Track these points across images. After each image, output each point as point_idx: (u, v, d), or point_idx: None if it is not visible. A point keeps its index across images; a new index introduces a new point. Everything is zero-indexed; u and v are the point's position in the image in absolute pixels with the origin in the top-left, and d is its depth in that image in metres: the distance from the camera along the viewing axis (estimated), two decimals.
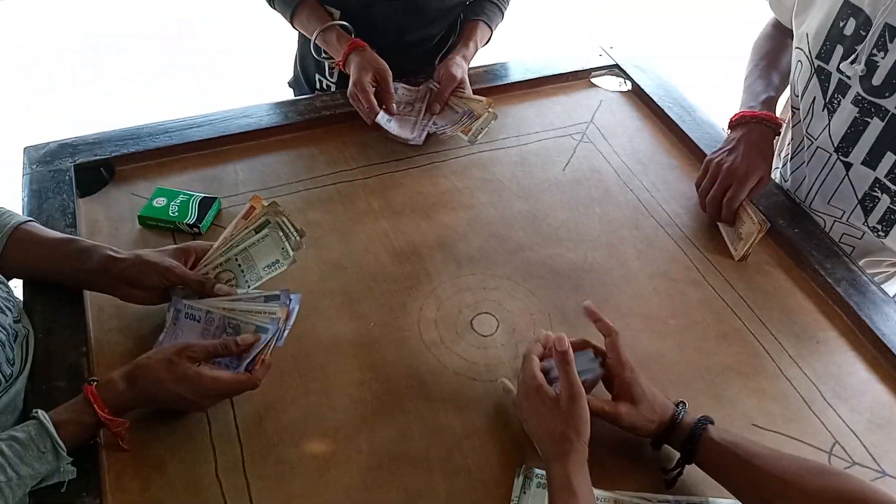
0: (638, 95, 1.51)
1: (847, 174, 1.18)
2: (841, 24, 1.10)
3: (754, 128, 1.19)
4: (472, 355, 1.01)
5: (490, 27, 1.48)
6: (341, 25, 1.36)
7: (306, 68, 1.57)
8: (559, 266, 1.14)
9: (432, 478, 0.87)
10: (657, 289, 1.11)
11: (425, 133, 1.32)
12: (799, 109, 1.23)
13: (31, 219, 1.01)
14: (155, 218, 1.14)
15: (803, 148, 1.25)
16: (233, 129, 1.31)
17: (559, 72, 1.52)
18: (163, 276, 0.96)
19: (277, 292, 0.96)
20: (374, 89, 1.29)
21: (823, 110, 1.17)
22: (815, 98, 1.18)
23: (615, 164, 1.34)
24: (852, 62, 1.08)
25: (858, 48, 1.08)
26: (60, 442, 0.78)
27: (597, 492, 0.85)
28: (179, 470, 0.86)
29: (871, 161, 1.13)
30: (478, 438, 0.91)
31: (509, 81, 1.47)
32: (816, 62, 1.15)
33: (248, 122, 1.34)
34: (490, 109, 1.32)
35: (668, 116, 1.41)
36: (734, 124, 1.23)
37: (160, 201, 1.16)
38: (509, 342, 1.03)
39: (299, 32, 1.51)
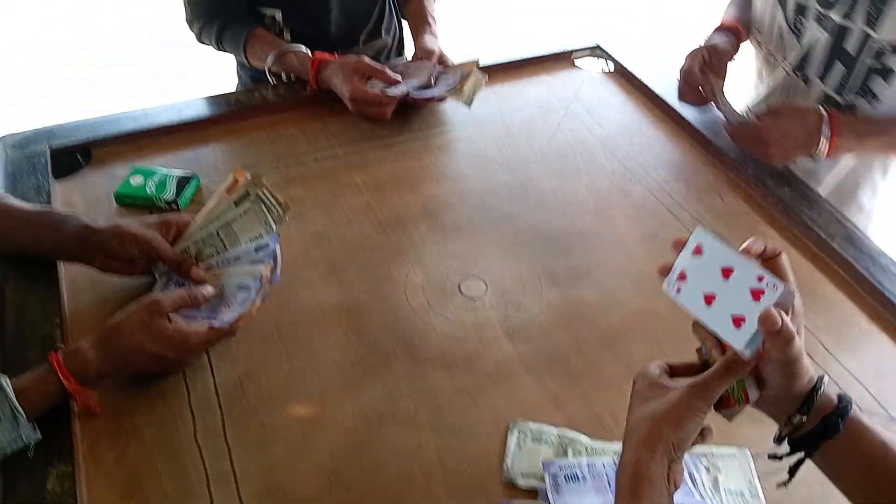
0: (622, 74, 1.50)
1: (808, 91, 1.20)
2: None
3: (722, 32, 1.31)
4: (461, 317, 0.97)
5: None
6: (297, 50, 1.34)
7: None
8: (547, 231, 1.11)
9: (422, 436, 0.83)
10: (648, 249, 1.09)
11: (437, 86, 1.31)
12: (764, 40, 1.27)
13: (2, 192, 0.98)
14: (131, 195, 1.11)
15: (775, 76, 1.28)
16: (211, 113, 1.29)
17: (540, 54, 1.51)
18: (142, 247, 0.93)
19: (267, 239, 0.95)
20: (367, 85, 1.27)
21: (791, 35, 1.19)
22: (779, 25, 1.21)
23: (600, 135, 1.32)
24: None
25: None
26: (19, 407, 0.75)
27: (597, 443, 0.82)
28: (157, 436, 0.82)
29: (823, 75, 1.17)
30: (468, 397, 0.88)
31: (491, 63, 1.46)
32: None
33: (227, 105, 1.32)
34: (478, 70, 1.31)
35: (653, 91, 1.40)
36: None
37: (137, 179, 1.13)
38: (499, 304, 1.00)
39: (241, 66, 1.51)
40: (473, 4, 4.41)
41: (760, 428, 0.84)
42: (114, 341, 0.81)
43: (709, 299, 0.67)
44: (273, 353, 0.92)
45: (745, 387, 0.66)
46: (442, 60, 1.34)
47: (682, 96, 1.29)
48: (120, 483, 0.78)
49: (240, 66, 1.55)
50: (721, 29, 1.32)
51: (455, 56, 1.40)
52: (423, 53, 1.35)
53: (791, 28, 1.19)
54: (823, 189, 1.24)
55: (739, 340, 0.64)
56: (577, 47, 1.54)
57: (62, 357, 0.79)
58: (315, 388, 0.88)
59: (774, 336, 0.61)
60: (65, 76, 3.65)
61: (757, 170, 1.20)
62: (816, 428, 0.63)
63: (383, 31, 1.55)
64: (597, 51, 1.54)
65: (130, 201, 1.12)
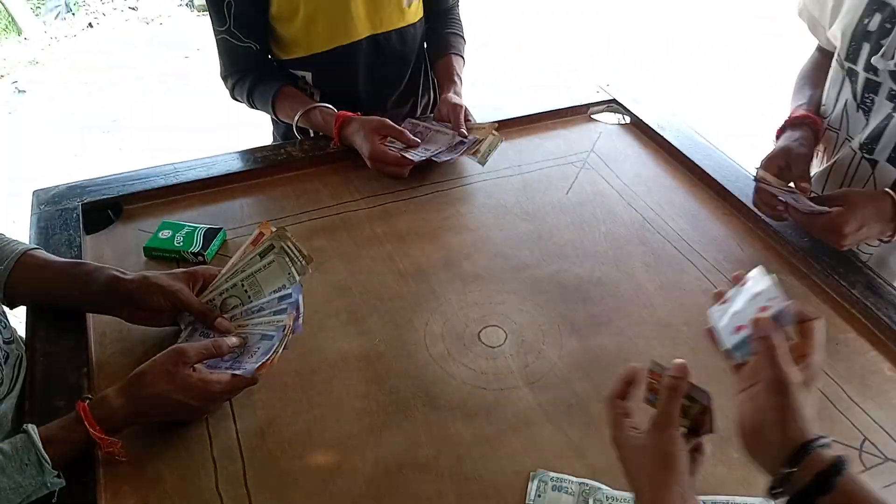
0: (637, 126, 1.52)
1: (873, 173, 1.14)
2: (866, 22, 1.08)
3: (796, 127, 1.19)
4: (481, 365, 0.98)
5: (462, 57, 1.53)
6: (323, 107, 1.38)
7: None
8: (566, 280, 1.12)
9: (442, 484, 0.83)
10: (668, 299, 1.09)
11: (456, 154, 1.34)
12: (829, 117, 1.20)
13: (37, 246, 1.02)
14: (160, 248, 1.14)
15: (836, 153, 1.21)
16: (238, 168, 1.33)
17: (558, 107, 1.54)
18: (169, 298, 0.95)
19: (290, 289, 0.97)
20: (387, 146, 1.31)
21: (858, 111, 1.14)
22: (847, 101, 1.16)
23: (618, 186, 1.34)
24: (882, 55, 1.05)
25: (885, 42, 1.05)
26: (46, 455, 0.76)
27: (617, 493, 0.81)
28: (178, 485, 0.83)
29: None
30: (488, 445, 0.88)
31: (509, 117, 1.49)
32: (847, 64, 1.13)
33: (253, 161, 1.36)
34: (495, 132, 1.34)
35: (669, 142, 1.42)
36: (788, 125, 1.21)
37: (165, 233, 1.16)
38: (518, 352, 1.00)
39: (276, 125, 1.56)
40: (487, 26, 4.53)
41: None
42: (139, 389, 0.83)
43: (732, 316, 0.75)
44: (294, 402, 0.93)
45: (701, 403, 0.69)
46: (465, 116, 1.38)
47: (759, 209, 1.18)
48: None
49: (273, 121, 1.60)
50: (794, 123, 1.20)
51: (474, 108, 1.45)
52: (447, 108, 1.38)
53: (859, 104, 1.14)
54: None
55: (731, 341, 0.72)
56: (593, 101, 1.57)
57: (89, 406, 0.81)
58: (335, 436, 0.89)
59: (762, 342, 0.67)
60: (66, 78, 3.76)
61: (776, 222, 1.20)
62: (810, 485, 0.63)
63: (418, 96, 1.60)
64: (613, 105, 1.57)
65: (159, 254, 1.15)
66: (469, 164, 1.39)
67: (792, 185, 1.09)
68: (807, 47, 1.34)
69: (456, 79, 1.47)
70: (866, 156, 1.14)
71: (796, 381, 0.66)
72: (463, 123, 1.36)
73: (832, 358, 1.00)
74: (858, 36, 1.10)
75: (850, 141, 1.17)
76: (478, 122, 1.40)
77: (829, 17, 1.18)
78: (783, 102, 1.30)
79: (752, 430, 0.67)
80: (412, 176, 1.33)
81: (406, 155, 1.30)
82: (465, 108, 1.38)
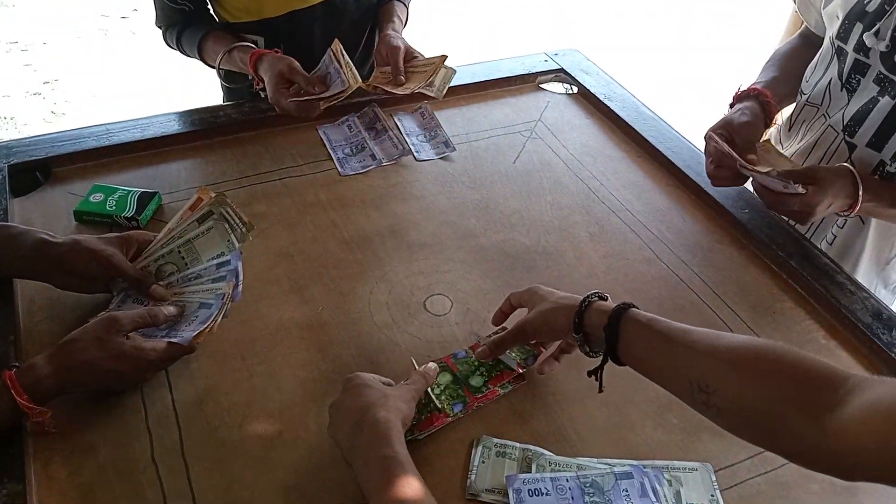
0: (585, 97, 1.52)
1: (850, 157, 1.13)
2: (866, 2, 1.07)
3: (742, 100, 1.18)
4: (426, 334, 0.97)
5: (405, 5, 1.51)
6: (243, 45, 1.32)
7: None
8: (512, 249, 1.12)
9: None
10: (611, 267, 1.10)
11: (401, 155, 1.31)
12: (810, 93, 1.20)
13: None
14: (91, 212, 1.09)
15: (814, 131, 1.21)
16: (175, 130, 1.28)
17: (506, 75, 1.53)
18: (101, 263, 0.91)
19: (228, 256, 0.94)
20: (291, 89, 1.25)
21: (841, 91, 1.13)
22: (831, 79, 1.15)
23: (564, 156, 1.34)
24: (875, 34, 1.05)
25: (880, 23, 1.04)
26: None
27: (560, 458, 0.82)
28: (112, 455, 0.80)
29: (877, 142, 1.09)
30: None
31: (456, 84, 1.47)
32: (837, 42, 1.12)
33: (191, 123, 1.31)
34: (446, 66, 1.32)
35: (615, 113, 1.42)
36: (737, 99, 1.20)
37: (97, 197, 1.11)
38: (463, 321, 0.99)
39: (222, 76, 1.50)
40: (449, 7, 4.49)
41: (722, 442, 0.85)
42: (69, 357, 0.79)
43: None
44: (234, 371, 0.91)
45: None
46: (409, 54, 1.35)
47: (715, 182, 1.16)
48: (73, 502, 0.76)
49: (222, 86, 1.55)
50: (741, 97, 1.19)
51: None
52: (386, 49, 1.34)
53: (843, 83, 1.13)
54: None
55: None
56: (541, 70, 1.57)
57: (15, 374, 0.77)
58: (276, 405, 0.87)
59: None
60: None
61: (718, 193, 1.22)
62: (606, 331, 0.76)
63: (373, 60, 1.55)
64: (561, 74, 1.57)
65: (90, 218, 1.10)
66: (411, 132, 1.36)
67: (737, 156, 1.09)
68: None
69: (395, 19, 1.43)
70: (847, 138, 1.13)
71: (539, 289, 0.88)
72: (401, 66, 1.32)
73: (769, 327, 1.03)
74: (853, 15, 1.09)
75: (827, 117, 1.17)
76: (425, 56, 1.36)
77: None
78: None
79: (548, 329, 0.85)
80: None
81: (312, 94, 1.24)
82: (407, 48, 1.35)
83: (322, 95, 1.24)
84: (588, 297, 0.81)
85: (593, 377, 0.81)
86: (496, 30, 4.47)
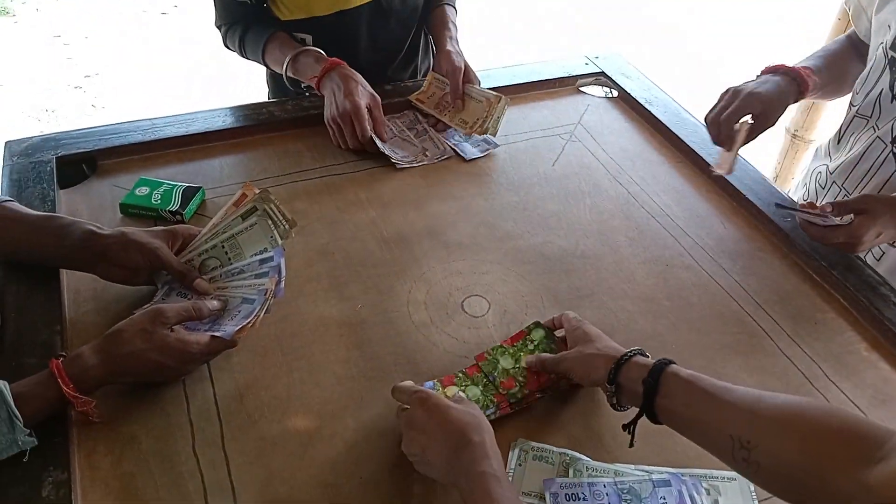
0: (625, 100, 1.51)
1: None
2: None
3: (782, 77, 1.17)
4: (463, 335, 0.97)
5: (454, 7, 1.50)
6: (309, 50, 1.33)
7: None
8: (550, 252, 1.12)
9: None
10: (650, 273, 1.09)
11: (443, 156, 1.32)
12: (859, 104, 1.18)
13: (10, 198, 0.98)
14: (137, 206, 1.11)
15: (863, 142, 1.18)
16: (219, 126, 1.30)
17: (546, 78, 1.53)
18: (147, 256, 0.92)
19: (271, 252, 0.95)
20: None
21: (892, 102, 1.11)
22: (882, 90, 1.13)
23: (604, 160, 1.33)
24: None
25: None
26: (16, 412, 0.74)
27: (597, 464, 0.81)
28: (154, 446, 0.82)
29: None
30: None
31: (496, 86, 1.47)
32: (890, 53, 1.10)
33: (234, 119, 1.32)
34: (500, 100, 1.31)
35: (655, 117, 1.41)
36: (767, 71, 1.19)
37: (143, 190, 1.13)
38: (501, 323, 0.99)
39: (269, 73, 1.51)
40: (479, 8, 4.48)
41: None
42: (115, 347, 0.81)
43: None
44: (274, 366, 0.92)
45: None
46: (468, 76, 1.35)
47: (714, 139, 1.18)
48: (115, 492, 0.77)
49: (268, 82, 1.57)
50: (770, 70, 1.19)
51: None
52: (448, 65, 1.34)
53: (894, 95, 1.10)
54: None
55: None
56: (581, 73, 1.56)
57: (62, 363, 0.79)
58: (315, 401, 0.88)
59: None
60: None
61: (759, 200, 1.20)
62: (645, 386, 0.75)
63: (418, 61, 1.57)
64: (601, 77, 1.56)
65: (135, 211, 1.12)
66: (454, 131, 1.37)
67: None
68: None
69: (451, 26, 1.43)
70: (895, 150, 1.11)
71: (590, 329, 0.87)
72: (461, 88, 1.33)
73: (810, 336, 1.01)
74: None
75: (876, 129, 1.14)
76: (481, 88, 1.36)
77: (878, 3, 1.15)
78: None
79: (583, 372, 0.83)
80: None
81: (371, 138, 1.27)
82: (467, 68, 1.35)
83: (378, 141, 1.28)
84: (631, 350, 0.80)
85: (626, 431, 0.80)
86: (532, 32, 4.46)
